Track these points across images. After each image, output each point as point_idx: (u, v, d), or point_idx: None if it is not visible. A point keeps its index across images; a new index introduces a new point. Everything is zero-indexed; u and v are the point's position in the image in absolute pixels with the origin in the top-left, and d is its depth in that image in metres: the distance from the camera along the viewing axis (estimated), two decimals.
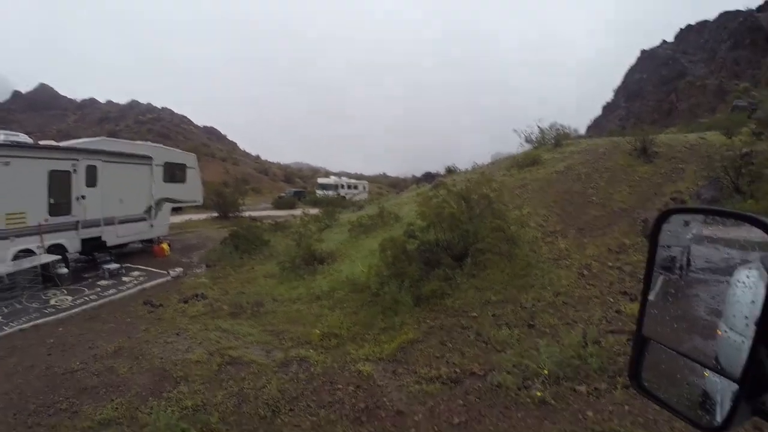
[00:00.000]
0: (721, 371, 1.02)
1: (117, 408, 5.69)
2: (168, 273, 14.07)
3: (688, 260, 1.24)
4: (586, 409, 5.34)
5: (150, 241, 18.08)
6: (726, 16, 59.66)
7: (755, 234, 1.09)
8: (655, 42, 76.25)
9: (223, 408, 5.63)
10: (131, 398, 5.96)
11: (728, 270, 1.20)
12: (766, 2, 56.13)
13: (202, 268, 15.60)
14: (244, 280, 13.23)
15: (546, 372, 6.06)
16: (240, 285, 12.67)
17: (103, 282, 12.91)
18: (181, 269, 14.69)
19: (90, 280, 13.17)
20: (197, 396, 5.93)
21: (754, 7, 56.79)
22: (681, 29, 67.98)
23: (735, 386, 0.97)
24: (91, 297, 11.45)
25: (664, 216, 1.25)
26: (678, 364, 1.18)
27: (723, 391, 1.07)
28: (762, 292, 1.07)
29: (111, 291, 12.03)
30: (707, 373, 1.15)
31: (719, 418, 1.05)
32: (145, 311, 10.34)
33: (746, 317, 1.10)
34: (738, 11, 58.23)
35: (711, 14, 62.56)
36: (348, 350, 7.53)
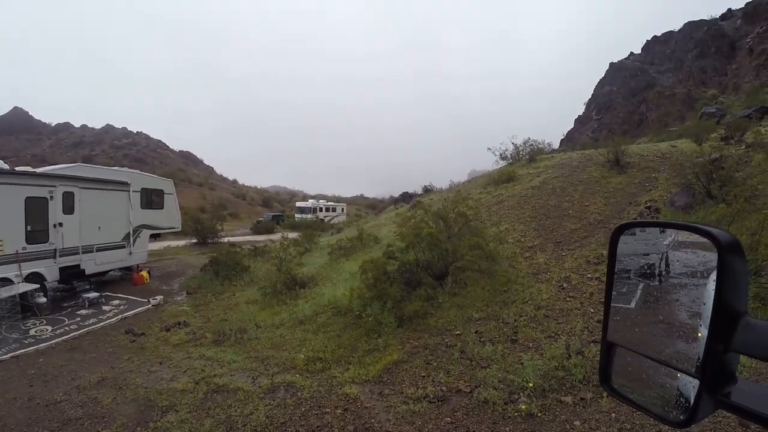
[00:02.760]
0: (681, 369, 1.08)
1: None
2: (149, 301, 13.91)
3: (667, 266, 1.31)
4: (574, 419, 5.45)
5: (129, 268, 17.87)
6: (691, 26, 61.28)
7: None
8: (622, 54, 77.81)
9: None
10: (117, 429, 5.90)
11: (706, 273, 1.22)
12: (729, 10, 57.90)
13: (182, 295, 15.45)
14: (225, 307, 13.14)
15: (531, 385, 6.16)
16: (222, 312, 12.59)
17: (82, 311, 12.72)
18: (162, 297, 14.53)
19: (69, 309, 12.98)
20: (185, 425, 5.89)
21: (717, 16, 58.66)
22: (648, 40, 69.45)
23: (693, 380, 1.04)
24: (71, 327, 11.27)
25: (619, 230, 1.34)
26: (648, 367, 1.25)
27: (682, 382, 1.13)
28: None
29: (91, 320, 11.86)
30: (680, 374, 1.22)
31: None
32: (127, 340, 10.23)
33: (705, 311, 1.16)
34: (702, 20, 59.92)
35: (676, 24, 63.97)
36: (333, 374, 7.53)
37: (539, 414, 5.59)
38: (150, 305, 13.62)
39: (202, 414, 6.25)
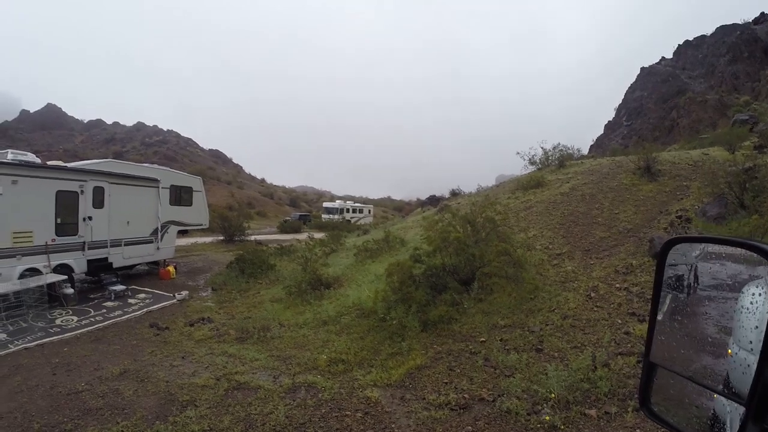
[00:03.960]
0: (727, 394, 1.02)
1: (122, 431, 5.67)
2: (174, 296, 14.06)
3: (696, 278, 1.24)
4: None
5: (156, 263, 18.16)
6: (723, 30, 59.91)
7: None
8: (653, 57, 76.61)
9: None
10: (137, 421, 5.93)
11: (736, 286, 1.20)
12: (762, 14, 56.40)
13: (208, 291, 15.59)
14: (250, 305, 13.19)
15: (555, 396, 6.02)
16: (246, 309, 12.64)
17: (108, 303, 12.91)
18: (187, 292, 14.68)
19: (96, 301, 13.19)
20: (204, 421, 5.89)
21: (750, 20, 57.13)
22: (679, 45, 68.17)
23: (743, 408, 0.97)
24: (96, 318, 11.45)
25: (668, 245, 1.25)
26: (686, 387, 1.18)
27: (732, 413, 1.07)
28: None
29: (117, 312, 12.02)
30: (716, 395, 1.15)
31: None
32: (151, 334, 10.33)
33: (756, 335, 1.10)
34: (735, 24, 58.49)
35: (708, 29, 62.79)
36: (355, 376, 7.49)
37: (562, 426, 5.45)
38: (175, 300, 13.76)
39: (221, 410, 6.25)
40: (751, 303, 1.15)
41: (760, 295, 1.14)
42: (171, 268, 17.64)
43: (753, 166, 11.87)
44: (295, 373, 7.68)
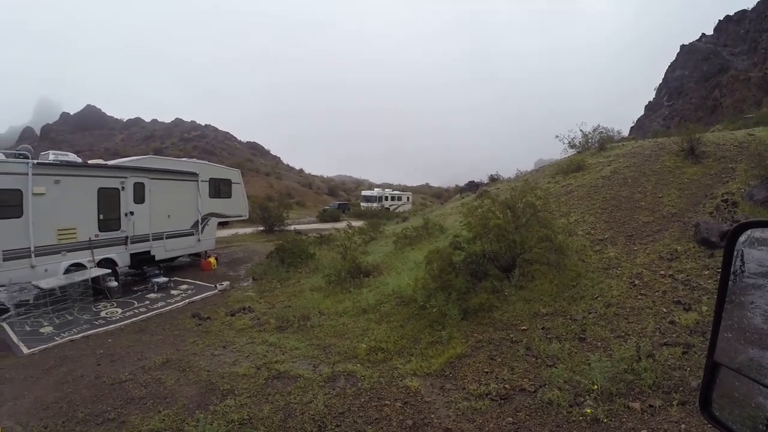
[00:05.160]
0: None
1: (164, 420, 5.77)
2: (215, 286, 14.33)
3: (742, 265, 1.14)
4: (641, 427, 5.17)
5: (197, 255, 18.51)
6: (765, 5, 56.89)
7: None
8: (693, 34, 73.88)
9: (269, 422, 5.63)
10: (178, 410, 6.04)
11: None
12: None
13: (248, 281, 15.81)
14: (290, 294, 13.30)
15: (597, 388, 5.89)
16: (286, 298, 12.75)
17: (151, 295, 13.24)
18: (228, 283, 14.93)
19: (139, 293, 13.56)
20: (243, 410, 5.96)
21: None
22: (720, 21, 65.35)
23: None
24: (140, 309, 11.75)
25: (738, 230, 1.15)
26: (749, 388, 1.09)
27: None
28: None
29: (159, 304, 12.32)
30: None
31: None
32: (193, 324, 10.53)
33: None
34: None
35: (750, 2, 59.76)
36: (395, 365, 7.47)
37: (605, 419, 5.32)
38: (216, 290, 14.01)
39: (261, 399, 6.32)
40: None
41: None
42: (212, 259, 17.96)
43: None
44: (335, 362, 7.71)
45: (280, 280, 15.25)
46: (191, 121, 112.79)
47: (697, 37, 66.74)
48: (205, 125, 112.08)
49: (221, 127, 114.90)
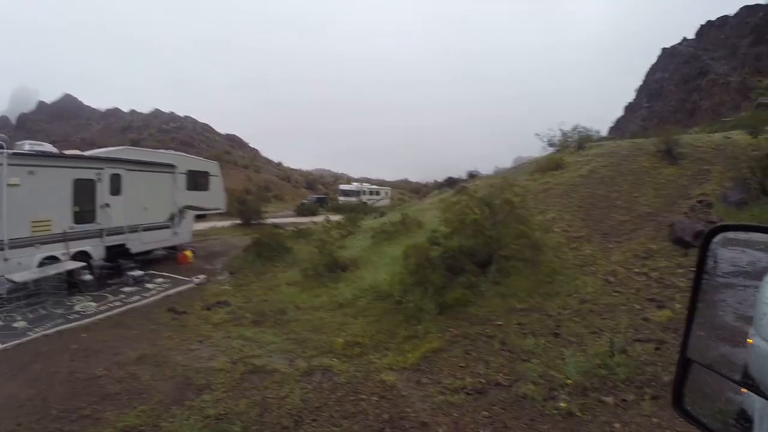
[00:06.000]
0: None
1: (139, 416, 5.70)
2: (191, 280, 14.18)
3: (715, 265, 1.18)
4: (614, 421, 5.27)
5: (174, 248, 18.24)
6: (747, 11, 58.37)
7: None
8: (674, 37, 75.31)
9: (245, 417, 5.60)
10: (154, 406, 5.97)
11: (757, 274, 1.14)
12: None
13: (225, 275, 15.66)
14: (266, 288, 13.22)
15: (571, 382, 5.98)
16: (263, 292, 12.68)
17: (127, 289, 13.03)
18: (205, 276, 14.80)
19: (114, 286, 13.31)
20: (220, 405, 5.93)
21: None
22: (702, 25, 66.61)
23: None
24: (115, 303, 11.57)
25: (713, 232, 1.18)
26: (716, 382, 1.13)
27: (762, 411, 1.03)
28: None
29: (135, 298, 12.15)
30: (744, 390, 1.10)
31: None
32: (169, 318, 10.43)
33: None
34: (758, 5, 56.98)
35: (732, 9, 61.20)
36: (371, 359, 7.49)
37: (579, 413, 5.41)
38: (193, 284, 13.88)
39: (237, 394, 6.29)
40: None
41: None
42: (189, 253, 17.73)
43: None
44: (311, 357, 7.70)
45: (257, 274, 15.14)
46: (170, 112, 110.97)
47: (679, 41, 67.87)
48: (184, 116, 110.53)
49: (200, 119, 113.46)
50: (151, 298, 12.15)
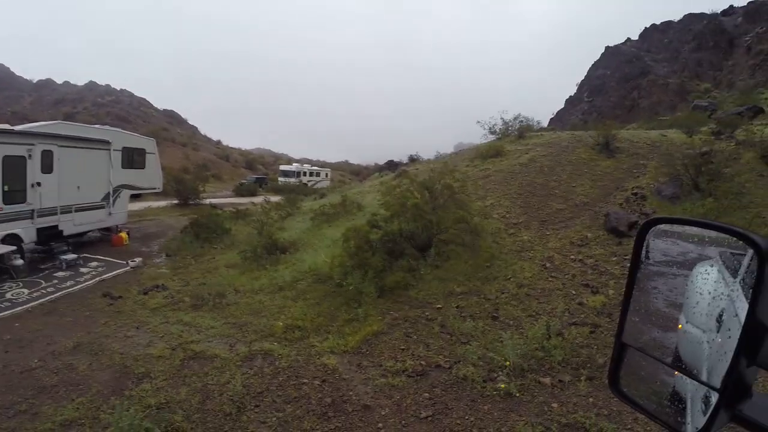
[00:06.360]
0: (702, 381, 1.04)
1: (78, 408, 5.51)
2: (127, 263, 13.71)
3: (647, 253, 1.25)
4: (551, 400, 5.49)
5: (108, 229, 17.51)
6: (691, 18, 61.17)
7: (718, 235, 1.12)
8: (618, 38, 78.25)
9: (187, 405, 5.52)
10: (92, 397, 5.79)
11: (687, 264, 1.24)
12: (731, 7, 58.10)
13: (162, 257, 15.26)
14: (205, 270, 12.98)
15: (510, 364, 6.17)
16: (201, 275, 12.44)
17: (60, 273, 12.46)
18: (141, 259, 14.33)
19: (47, 271, 12.69)
20: (160, 393, 5.81)
21: (718, 11, 58.87)
22: (646, 28, 69.17)
23: (705, 388, 1.00)
24: (48, 289, 11.04)
25: (649, 224, 1.25)
26: (653, 366, 1.20)
27: (693, 392, 1.10)
28: (722, 289, 1.13)
29: (68, 283, 11.64)
30: (677, 372, 1.18)
31: (689, 417, 1.07)
32: (104, 304, 10.05)
33: (706, 312, 1.16)
34: (703, 14, 60.03)
35: (676, 16, 64.37)
36: (312, 343, 7.48)
37: (518, 394, 5.62)
38: (128, 267, 13.43)
39: (177, 382, 6.17)
40: (704, 283, 1.19)
41: (711, 274, 1.19)
42: (124, 235, 17.13)
43: (710, 150, 12.23)
44: (252, 341, 7.62)
45: (195, 256, 14.85)
46: (106, 85, 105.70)
47: (623, 41, 70.22)
48: (120, 90, 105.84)
49: (137, 93, 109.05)
50: (86, 283, 11.68)
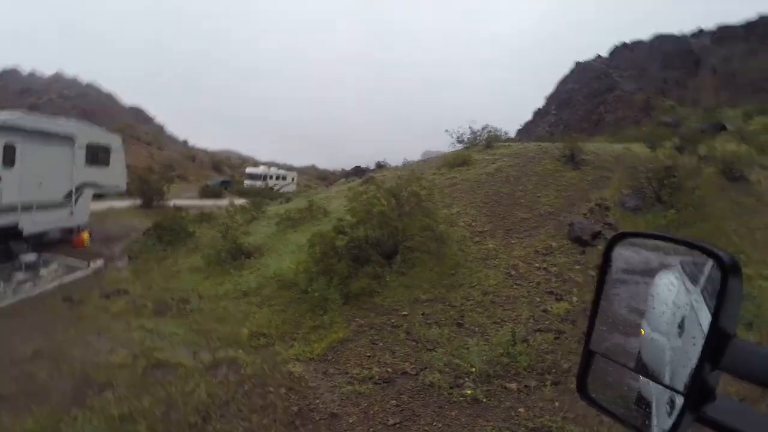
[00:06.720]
0: (667, 385, 1.08)
1: (39, 420, 5.32)
2: (88, 265, 13.40)
3: (610, 260, 1.30)
4: (518, 405, 5.59)
5: (69, 230, 17.01)
6: (660, 38, 63.69)
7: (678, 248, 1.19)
8: (587, 55, 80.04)
9: (150, 416, 5.37)
10: (53, 408, 5.59)
11: (648, 272, 1.29)
12: (700, 29, 60.53)
13: (124, 260, 14.99)
14: (168, 275, 12.80)
15: (476, 370, 6.26)
16: (164, 280, 12.26)
17: (19, 275, 12.05)
18: (103, 261, 14.05)
19: (5, 272, 12.25)
20: (123, 403, 5.63)
21: (687, 33, 61.24)
22: (616, 46, 71.16)
23: (669, 391, 1.05)
24: (6, 292, 10.76)
25: (616, 238, 1.30)
26: (617, 370, 1.25)
27: (657, 395, 1.14)
28: (683, 297, 1.19)
29: (27, 285, 11.37)
30: (642, 377, 1.23)
31: (655, 420, 1.12)
32: (65, 308, 9.82)
33: (668, 319, 1.21)
34: (672, 35, 62.38)
35: (645, 35, 66.58)
36: (278, 350, 7.44)
37: (484, 399, 5.71)
38: (90, 270, 13.13)
39: (140, 391, 6.01)
40: (666, 291, 1.25)
41: (673, 283, 1.25)
42: (85, 235, 16.68)
43: (672, 164, 12.65)
44: (216, 348, 7.52)
45: (158, 260, 14.59)
46: (73, 78, 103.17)
47: (592, 57, 71.88)
48: (87, 84, 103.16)
49: (105, 87, 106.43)
50: (45, 286, 11.42)
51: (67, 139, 15.92)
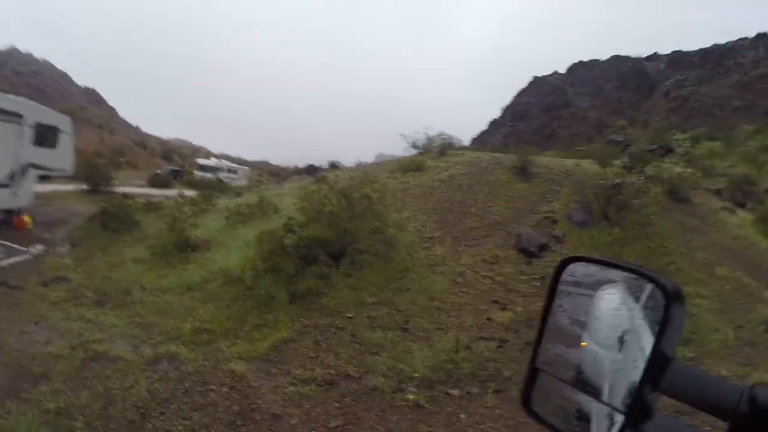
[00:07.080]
0: (608, 403, 1.15)
1: None
2: (28, 250, 12.90)
3: (558, 282, 1.33)
4: (460, 411, 5.69)
5: (10, 211, 16.32)
6: (616, 60, 66.20)
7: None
8: (544, 70, 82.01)
9: (88, 411, 5.23)
10: None
11: (592, 285, 1.33)
12: (655, 53, 63.12)
13: (66, 246, 14.49)
14: (111, 264, 12.47)
15: (419, 375, 6.34)
16: (107, 269, 11.94)
17: None
18: (43, 246, 13.52)
19: None
20: (59, 397, 5.48)
21: (643, 56, 63.81)
22: (573, 63, 73.24)
23: (606, 408, 1.14)
24: None
25: (567, 261, 1.37)
26: (557, 384, 1.32)
27: (598, 409, 1.18)
28: (624, 312, 1.25)
29: None
30: (580, 393, 1.29)
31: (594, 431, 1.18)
32: (1, 294, 9.42)
33: (608, 333, 1.26)
34: (628, 57, 64.79)
35: (603, 55, 68.99)
36: (220, 347, 7.33)
37: (426, 405, 5.77)
38: (29, 255, 12.64)
39: (78, 384, 5.85)
40: (607, 304, 1.31)
41: (614, 297, 1.30)
42: (27, 218, 16.01)
43: (620, 183, 13.13)
44: (157, 343, 7.38)
45: (101, 248, 14.20)
46: (28, 54, 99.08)
47: (550, 73, 73.66)
48: (43, 61, 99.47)
49: (59, 65, 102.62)
50: None
51: (15, 116, 15.26)
